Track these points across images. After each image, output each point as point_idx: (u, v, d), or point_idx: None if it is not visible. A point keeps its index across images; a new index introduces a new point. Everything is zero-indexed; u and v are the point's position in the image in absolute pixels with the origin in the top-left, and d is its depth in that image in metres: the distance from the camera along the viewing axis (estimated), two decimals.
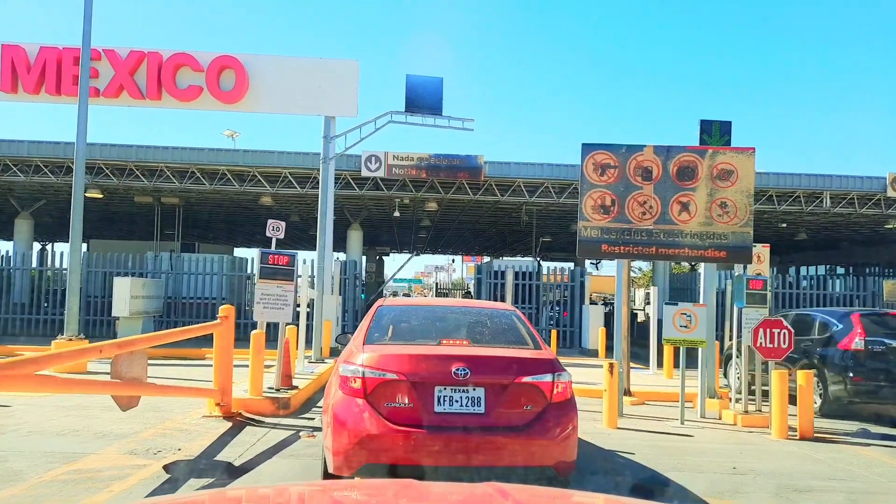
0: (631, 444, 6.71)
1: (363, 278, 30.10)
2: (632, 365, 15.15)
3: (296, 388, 8.65)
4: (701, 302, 9.09)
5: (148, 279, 17.71)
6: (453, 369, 4.06)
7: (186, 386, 7.69)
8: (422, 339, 4.66)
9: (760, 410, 8.58)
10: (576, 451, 4.26)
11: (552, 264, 22.25)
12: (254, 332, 7.82)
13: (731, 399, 9.47)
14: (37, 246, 30.42)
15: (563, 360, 16.05)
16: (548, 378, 4.24)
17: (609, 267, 53.05)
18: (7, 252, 20.35)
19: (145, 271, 19.07)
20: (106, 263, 18.93)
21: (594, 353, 16.95)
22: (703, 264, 9.59)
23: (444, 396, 4.05)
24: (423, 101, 13.01)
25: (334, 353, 14.34)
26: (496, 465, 3.94)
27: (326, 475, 4.18)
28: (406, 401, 4.01)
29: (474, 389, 4.07)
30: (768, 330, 8.08)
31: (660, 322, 13.46)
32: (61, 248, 35.34)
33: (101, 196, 20.17)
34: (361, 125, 13.47)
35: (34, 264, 21.74)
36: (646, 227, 8.91)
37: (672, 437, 7.34)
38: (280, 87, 16.84)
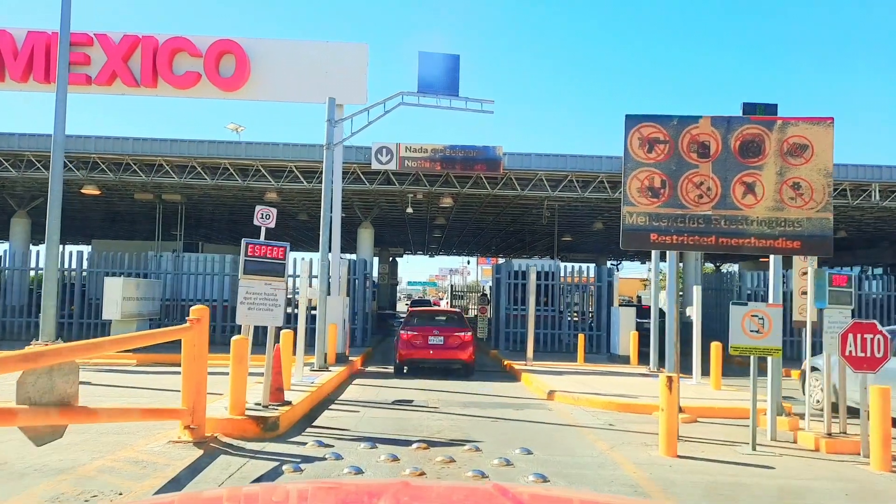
0: (705, 483, 5.30)
1: (375, 279, 28.94)
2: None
3: (288, 403, 7.34)
4: (771, 302, 7.62)
5: (142, 279, 16.57)
6: (434, 330, 12.72)
7: (139, 407, 6.30)
8: (426, 320, 13.51)
9: (846, 433, 7.11)
10: (473, 356, 12.66)
11: (573, 265, 20.78)
12: (235, 337, 6.53)
13: (801, 417, 8.00)
14: (38, 248, 29.57)
15: (590, 367, 14.36)
16: (467, 334, 12.76)
17: (630, 268, 51.19)
18: (3, 252, 19.40)
19: (148, 272, 17.99)
20: (108, 264, 17.85)
21: (625, 360, 15.47)
22: (771, 256, 8.11)
23: (431, 338, 12.50)
24: (437, 80, 11.70)
25: (341, 360, 13.05)
26: (447, 358, 12.44)
27: (396, 364, 12.77)
28: (419, 341, 12.50)
29: (440, 336, 12.53)
30: (859, 335, 6.62)
31: (703, 324, 12.00)
32: (67, 249, 34.37)
33: (98, 193, 19.12)
34: (369, 107, 12.19)
35: (32, 265, 20.70)
36: (703, 213, 7.49)
37: (750, 471, 5.90)
38: (284, 73, 15.66)
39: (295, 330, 9.87)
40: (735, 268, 39.83)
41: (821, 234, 7.42)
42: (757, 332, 6.75)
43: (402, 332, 12.75)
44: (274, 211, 7.50)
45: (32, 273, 19.49)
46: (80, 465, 5.06)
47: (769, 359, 7.39)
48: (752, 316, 6.76)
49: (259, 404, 7.00)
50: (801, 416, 8.11)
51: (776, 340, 6.80)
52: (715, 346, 11.30)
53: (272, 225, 7.46)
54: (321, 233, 12.03)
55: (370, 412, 8.24)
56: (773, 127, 7.59)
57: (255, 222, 7.44)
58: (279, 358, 7.43)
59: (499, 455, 5.82)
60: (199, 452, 5.59)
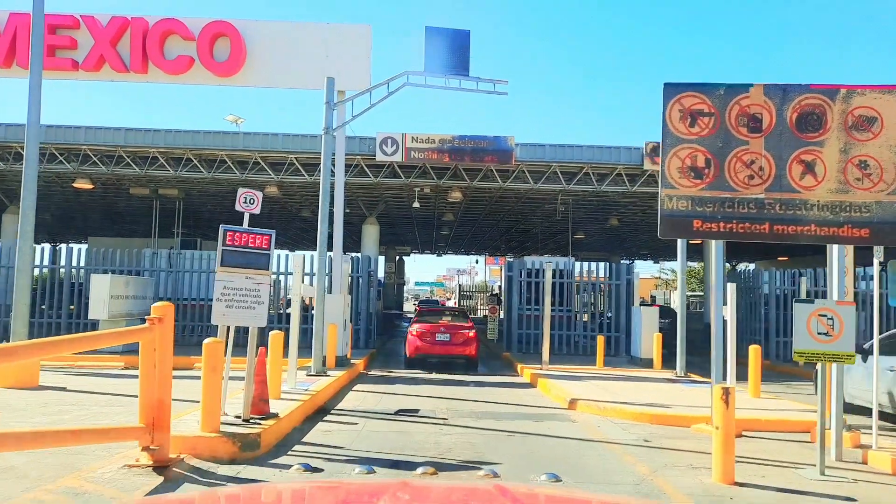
0: None
1: (381, 278, 27.89)
2: (698, 378, 12.62)
3: (273, 416, 6.36)
4: (836, 298, 6.56)
5: (132, 277, 15.69)
6: (441, 327, 13.67)
7: (76, 428, 5.18)
8: (433, 318, 14.57)
9: None
10: (476, 352, 13.63)
11: (589, 262, 19.77)
12: (207, 340, 5.55)
13: (861, 431, 6.96)
14: (38, 246, 28.75)
15: (611, 371, 13.28)
16: (471, 332, 13.53)
17: (641, 267, 49.68)
18: None
19: (143, 269, 17.17)
20: (101, 261, 17.02)
21: (647, 364, 14.41)
22: (833, 247, 7.03)
23: (438, 336, 13.43)
24: (445, 58, 10.70)
25: (341, 364, 12.08)
26: (453, 354, 13.42)
27: (406, 359, 13.85)
28: (427, 338, 13.36)
29: (447, 334, 13.47)
30: None
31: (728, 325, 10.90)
32: (63, 247, 33.55)
33: (91, 187, 18.27)
34: (372, 89, 11.20)
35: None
36: (755, 197, 6.45)
37: (826, 502, 4.86)
38: (282, 58, 14.73)
39: (287, 331, 8.89)
40: (751, 267, 38.52)
41: (893, 220, 6.37)
42: (825, 334, 5.70)
43: (411, 329, 13.93)
44: (259, 194, 6.53)
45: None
46: (7, 498, 4.11)
47: (828, 365, 6.34)
48: (820, 316, 5.72)
49: (239, 417, 6.03)
50: (861, 429, 7.08)
51: (848, 344, 5.75)
52: (753, 350, 10.26)
53: (257, 210, 6.49)
54: (319, 224, 11.06)
55: (370, 425, 7.26)
56: (836, 96, 6.54)
57: (238, 207, 6.48)
58: (263, 364, 6.46)
59: (521, 484, 4.81)
60: (159, 480, 4.62)
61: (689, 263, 44.43)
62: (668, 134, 6.60)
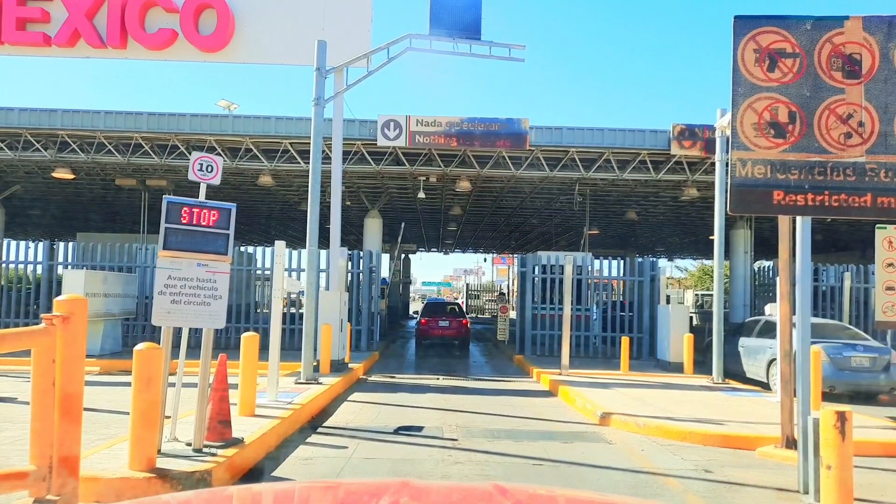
0: None
1: (386, 277, 26.48)
2: (738, 386, 11.21)
3: (237, 441, 4.98)
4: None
5: (110, 272, 14.41)
6: (443, 317, 18.61)
7: None
8: (438, 310, 19.64)
9: None
10: (468, 334, 18.42)
11: (608, 259, 18.40)
12: (139, 346, 4.21)
13: None
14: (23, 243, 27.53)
15: (638, 376, 11.64)
16: (464, 320, 18.62)
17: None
18: None
19: (132, 266, 15.95)
20: (89, 257, 15.79)
21: (677, 368, 12.97)
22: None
23: (440, 322, 18.17)
24: (454, 17, 9.30)
25: (338, 368, 10.72)
26: (450, 336, 17.99)
27: (416, 340, 18.91)
28: (431, 326, 18.05)
29: (447, 321, 18.26)
30: None
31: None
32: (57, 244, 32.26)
33: (72, 177, 17.03)
34: (370, 53, 9.82)
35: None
36: (853, 160, 5.03)
37: None
38: (274, 31, 13.36)
39: (260, 331, 7.51)
40: (768, 264, 36.86)
41: None
42: None
43: (421, 318, 18.61)
44: (219, 161, 5.18)
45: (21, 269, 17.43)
46: None
47: None
48: None
49: (190, 445, 4.66)
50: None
51: None
52: (814, 354, 8.77)
53: (216, 180, 5.15)
54: (309, 210, 9.68)
55: (363, 449, 5.88)
56: None
57: (192, 176, 5.12)
58: (224, 374, 5.09)
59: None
60: None
61: (705, 261, 42.92)
62: (741, 80, 5.17)
